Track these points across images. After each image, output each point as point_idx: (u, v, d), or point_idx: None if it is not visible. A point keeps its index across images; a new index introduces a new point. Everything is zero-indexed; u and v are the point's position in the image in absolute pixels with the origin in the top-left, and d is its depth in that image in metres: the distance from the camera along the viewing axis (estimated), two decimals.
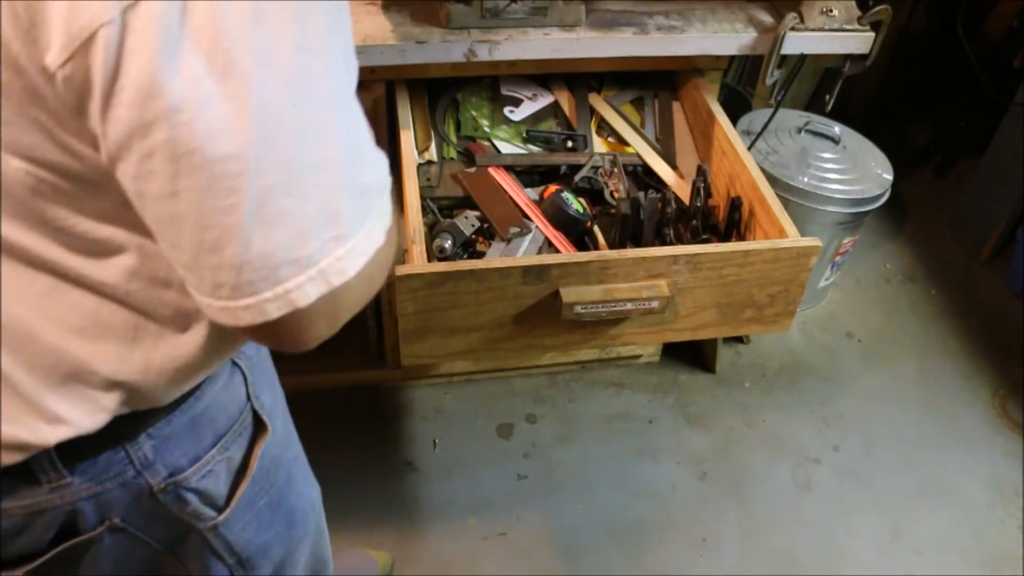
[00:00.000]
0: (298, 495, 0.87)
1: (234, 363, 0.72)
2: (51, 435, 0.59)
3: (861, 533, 1.68)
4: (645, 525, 1.65)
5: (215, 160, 0.44)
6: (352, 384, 1.85)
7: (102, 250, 0.54)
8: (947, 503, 1.74)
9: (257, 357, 0.77)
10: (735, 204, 1.21)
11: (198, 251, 0.47)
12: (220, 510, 0.73)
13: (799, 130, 1.99)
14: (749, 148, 1.37)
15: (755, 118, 1.96)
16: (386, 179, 0.54)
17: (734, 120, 1.63)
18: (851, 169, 1.92)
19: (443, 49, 1.22)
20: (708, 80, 1.42)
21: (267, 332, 0.51)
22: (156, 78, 0.42)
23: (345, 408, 1.81)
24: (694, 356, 1.99)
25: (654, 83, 1.47)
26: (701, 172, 1.25)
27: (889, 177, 1.95)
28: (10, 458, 0.59)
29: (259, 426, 0.76)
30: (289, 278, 0.48)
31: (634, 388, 1.92)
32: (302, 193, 0.47)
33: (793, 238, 1.11)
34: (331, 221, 0.49)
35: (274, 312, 0.49)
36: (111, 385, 0.60)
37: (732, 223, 1.22)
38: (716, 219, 1.28)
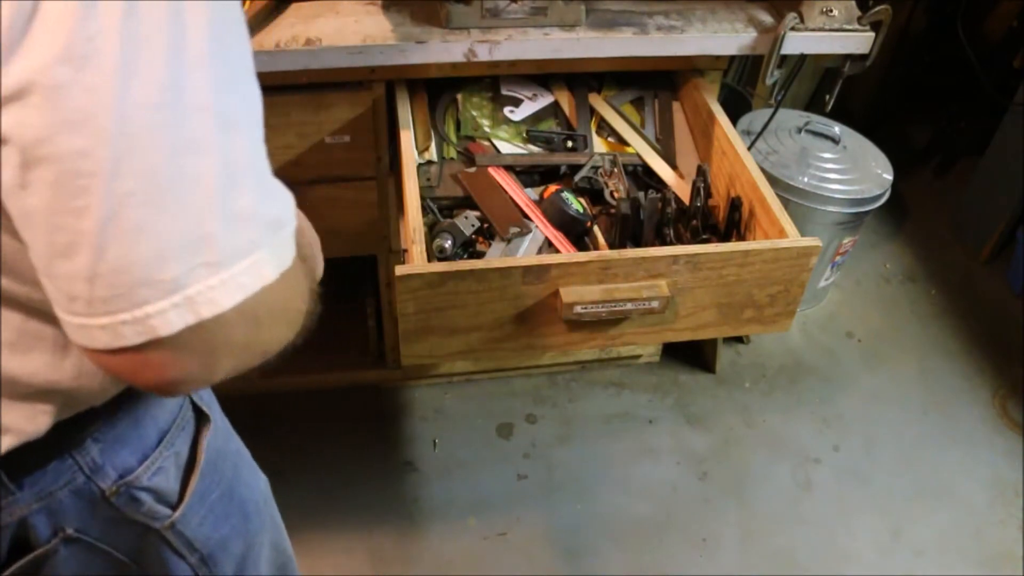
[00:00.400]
0: (247, 487, 0.86)
1: None
2: None
3: (861, 533, 1.68)
4: (645, 525, 1.65)
5: (66, 154, 0.41)
6: (352, 384, 1.85)
7: None
8: (947, 503, 1.74)
9: None
10: (735, 204, 1.21)
11: (50, 255, 0.43)
12: (174, 507, 0.72)
13: (799, 130, 1.99)
14: (749, 148, 1.37)
15: (755, 118, 1.96)
16: (285, 216, 0.50)
17: (734, 120, 1.63)
18: (851, 169, 1.92)
19: (443, 49, 1.22)
20: (708, 80, 1.42)
21: (128, 363, 0.46)
22: (3, 58, 0.39)
23: (345, 408, 1.81)
24: (694, 356, 1.99)
25: (654, 83, 1.47)
26: (701, 172, 1.25)
27: (889, 177, 1.95)
28: None
29: (201, 418, 0.75)
30: (149, 301, 0.44)
31: (634, 388, 1.92)
32: (166, 207, 0.43)
33: (793, 238, 1.11)
34: (201, 245, 0.44)
35: (131, 337, 0.44)
36: (47, 393, 0.58)
37: (732, 223, 1.22)
38: (716, 219, 1.28)
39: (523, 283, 1.06)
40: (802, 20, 1.29)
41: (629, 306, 1.08)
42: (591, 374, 1.94)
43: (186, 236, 0.44)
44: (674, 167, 1.35)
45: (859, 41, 1.32)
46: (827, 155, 1.93)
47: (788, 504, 1.71)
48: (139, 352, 0.45)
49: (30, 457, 0.60)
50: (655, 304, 1.08)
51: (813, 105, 2.31)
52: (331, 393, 1.83)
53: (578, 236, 1.23)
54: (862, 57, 1.34)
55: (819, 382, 1.98)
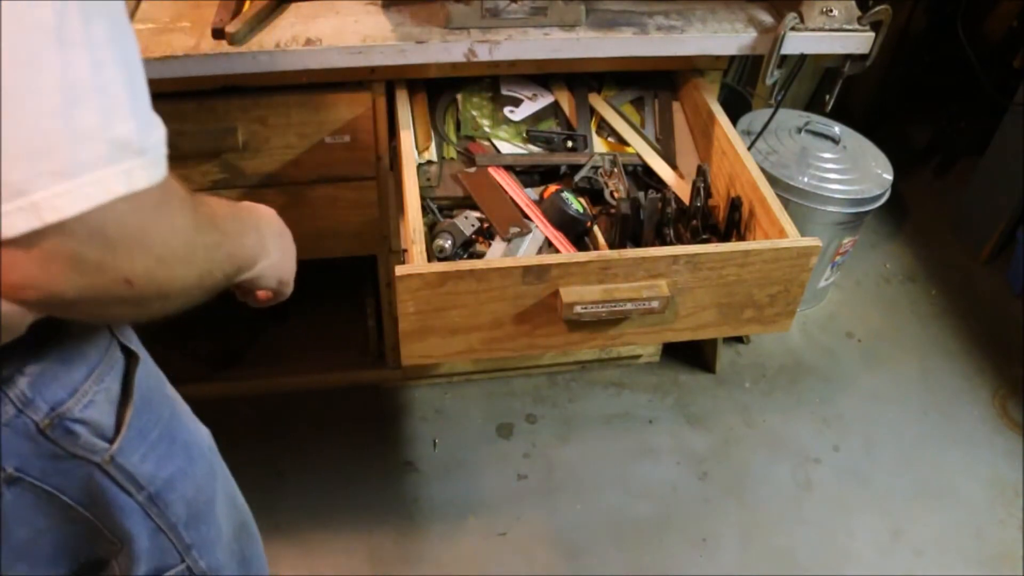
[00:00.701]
0: (189, 432, 0.87)
1: None
2: None
3: (861, 533, 1.68)
4: (645, 525, 1.65)
5: None
6: (352, 384, 1.85)
7: None
8: (947, 503, 1.74)
9: None
10: (735, 204, 1.21)
11: None
12: (111, 440, 0.73)
13: (799, 130, 1.99)
14: (749, 148, 1.37)
15: (755, 118, 1.96)
16: (146, 143, 0.52)
17: (734, 120, 1.63)
18: (851, 169, 1.92)
19: (443, 49, 1.22)
20: (708, 80, 1.42)
21: (23, 291, 0.48)
22: None
23: (345, 408, 1.81)
24: (694, 356, 1.99)
25: (654, 83, 1.47)
26: (701, 172, 1.25)
27: (889, 177, 1.95)
28: None
29: (130, 357, 0.76)
30: None
31: (634, 388, 1.92)
32: (9, 114, 0.44)
33: (793, 238, 1.11)
34: (45, 153, 0.46)
35: None
36: None
37: (732, 223, 1.22)
38: (716, 219, 1.28)
39: (523, 283, 1.06)
40: (802, 20, 1.29)
41: (629, 306, 1.08)
42: (591, 374, 1.94)
43: (30, 143, 0.45)
44: (674, 167, 1.35)
45: (859, 41, 1.32)
46: (827, 155, 1.93)
47: (788, 504, 1.71)
48: (19, 278, 0.47)
49: None
50: (655, 304, 1.08)
51: (813, 105, 2.31)
52: (331, 393, 1.83)
53: (578, 236, 1.23)
54: (862, 57, 1.34)
55: (819, 382, 1.98)
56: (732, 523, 1.67)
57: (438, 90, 1.40)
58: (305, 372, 1.82)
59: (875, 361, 2.04)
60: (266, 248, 0.75)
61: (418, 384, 1.87)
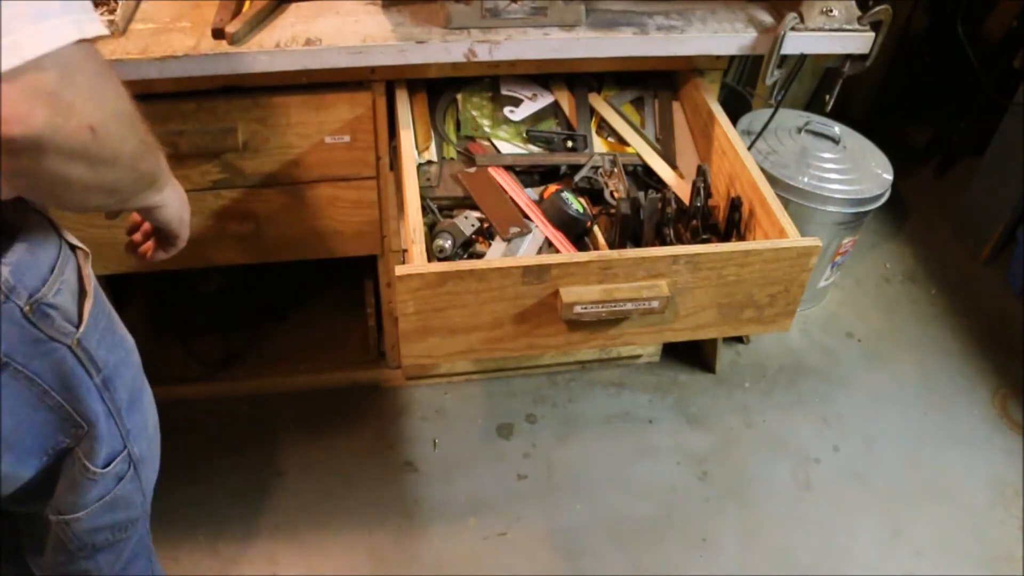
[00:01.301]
0: (122, 327, 0.94)
1: (34, 208, 0.80)
2: None
3: (861, 533, 1.68)
4: (645, 525, 1.65)
5: None
6: (352, 384, 1.85)
7: None
8: (947, 503, 1.74)
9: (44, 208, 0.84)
10: (735, 204, 1.21)
11: None
12: (76, 326, 0.81)
13: (799, 130, 1.99)
14: (749, 148, 1.37)
15: (755, 118, 1.96)
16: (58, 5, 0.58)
17: (734, 120, 1.63)
18: (851, 169, 1.92)
19: (443, 49, 1.22)
20: (708, 80, 1.42)
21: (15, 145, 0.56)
22: None
23: (345, 408, 1.81)
24: (694, 356, 1.99)
25: (654, 83, 1.47)
26: (701, 172, 1.25)
27: (889, 177, 1.95)
28: None
29: (77, 252, 0.84)
30: None
31: (634, 388, 1.92)
32: None
33: (793, 238, 1.11)
34: (20, 4, 0.54)
35: None
36: None
37: (732, 223, 1.22)
38: (716, 219, 1.28)
39: (523, 283, 1.06)
40: (802, 20, 1.30)
41: (629, 306, 1.08)
42: (591, 374, 1.94)
43: None
44: (674, 167, 1.35)
45: (859, 41, 1.32)
46: (827, 155, 1.93)
47: (788, 504, 1.71)
48: (17, 127, 0.55)
49: None
50: (655, 304, 1.08)
51: (813, 105, 2.31)
52: (331, 393, 1.83)
53: (578, 236, 1.23)
54: (862, 57, 1.35)
55: (819, 382, 1.98)
56: (732, 523, 1.67)
57: (438, 90, 1.40)
58: (305, 372, 1.82)
59: (875, 361, 2.04)
60: (170, 179, 0.83)
61: (418, 384, 1.87)
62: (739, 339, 2.04)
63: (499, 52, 1.24)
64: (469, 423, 1.81)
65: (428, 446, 1.76)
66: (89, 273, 0.84)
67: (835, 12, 1.30)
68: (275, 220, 1.43)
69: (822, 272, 2.05)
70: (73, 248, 0.84)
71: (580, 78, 1.45)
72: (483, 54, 1.24)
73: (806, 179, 1.87)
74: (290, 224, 1.44)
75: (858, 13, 1.32)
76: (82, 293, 0.83)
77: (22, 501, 0.97)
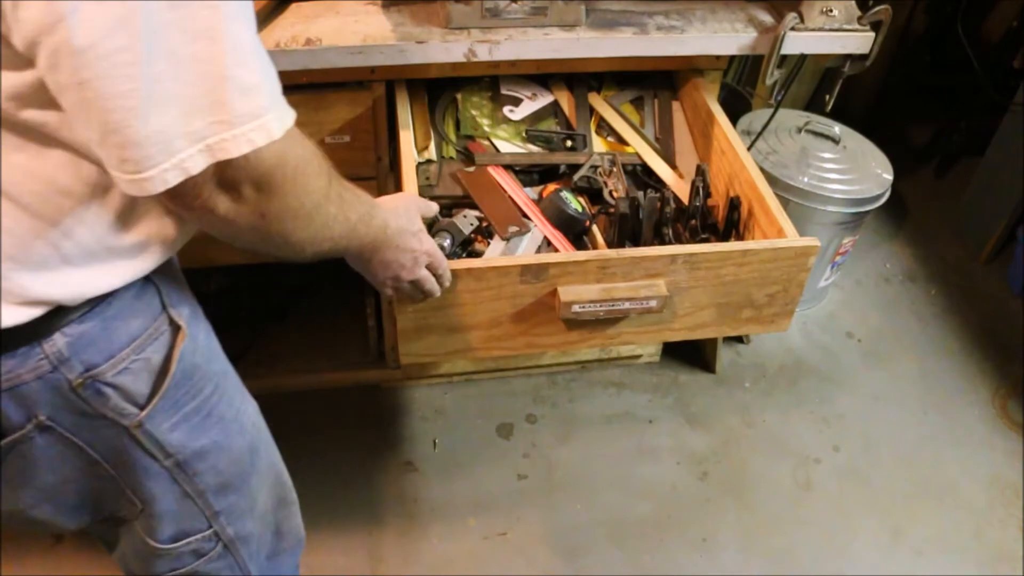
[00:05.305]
0: (230, 407, 0.90)
1: (147, 278, 0.78)
2: None
3: (861, 533, 1.68)
4: (645, 525, 1.65)
5: (110, 52, 0.54)
6: (352, 384, 1.85)
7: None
8: (947, 503, 1.74)
9: (171, 274, 0.82)
10: (734, 204, 1.21)
11: (104, 132, 0.57)
12: (142, 407, 0.77)
13: (799, 130, 1.99)
14: (749, 148, 1.37)
15: (755, 118, 1.96)
16: (277, 89, 0.65)
17: (734, 120, 1.63)
18: (851, 169, 1.92)
19: (443, 49, 1.22)
20: (708, 80, 1.42)
21: (174, 197, 0.62)
22: None
23: (345, 408, 1.81)
24: (694, 356, 1.99)
25: (654, 83, 1.47)
26: (700, 172, 1.25)
27: (889, 177, 1.95)
28: None
29: (176, 331, 0.81)
30: (182, 150, 0.59)
31: (634, 388, 1.92)
32: (188, 81, 0.57)
33: (792, 238, 1.10)
34: (217, 107, 0.59)
35: (172, 179, 0.59)
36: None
37: (731, 223, 1.22)
38: (715, 218, 1.28)
39: (521, 282, 1.06)
40: (802, 20, 1.30)
41: (627, 305, 1.08)
42: (591, 374, 1.94)
43: (205, 101, 0.58)
44: (673, 167, 1.35)
45: (859, 41, 1.32)
46: (827, 155, 1.93)
47: (788, 504, 1.71)
48: (179, 188, 0.60)
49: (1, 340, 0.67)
50: (653, 304, 1.08)
51: (813, 105, 2.30)
52: (331, 393, 1.83)
53: (577, 235, 1.23)
54: (862, 57, 1.35)
55: (819, 382, 1.98)
56: (732, 523, 1.67)
57: (438, 90, 1.40)
58: (305, 372, 1.82)
59: (875, 361, 2.04)
60: (378, 235, 0.85)
61: (418, 384, 1.87)
62: (739, 339, 2.03)
63: (499, 52, 1.24)
64: (469, 423, 1.81)
65: (428, 446, 1.76)
66: (182, 355, 0.80)
67: (835, 12, 1.30)
68: None
69: (822, 272, 2.04)
70: (174, 325, 0.81)
71: (580, 78, 1.45)
72: (483, 54, 1.24)
73: (806, 179, 1.87)
74: None
75: (858, 13, 1.32)
76: (162, 374, 0.79)
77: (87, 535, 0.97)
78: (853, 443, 1.85)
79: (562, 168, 1.33)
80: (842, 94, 1.48)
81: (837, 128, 2.00)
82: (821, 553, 1.63)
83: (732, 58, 1.44)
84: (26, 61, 0.57)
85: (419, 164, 1.29)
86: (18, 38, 0.55)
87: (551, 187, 1.27)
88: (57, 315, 0.70)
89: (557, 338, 1.14)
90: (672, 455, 1.79)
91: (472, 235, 1.19)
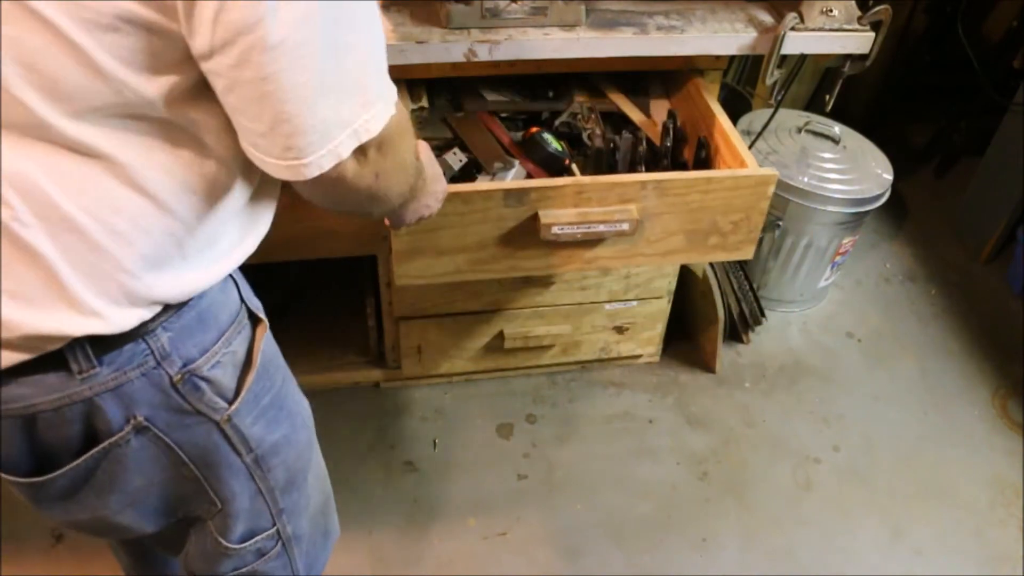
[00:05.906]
0: (295, 402, 0.92)
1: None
2: (86, 327, 0.66)
3: (861, 533, 1.68)
4: (645, 525, 1.65)
5: (296, 46, 0.57)
6: (352, 384, 1.85)
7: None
8: (947, 503, 1.74)
9: (240, 274, 0.84)
10: (702, 143, 1.31)
11: (275, 122, 0.60)
12: (231, 402, 0.79)
13: (799, 130, 1.99)
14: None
15: (755, 118, 1.96)
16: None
17: (734, 120, 1.63)
18: (851, 169, 1.92)
19: (443, 49, 1.23)
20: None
21: (322, 181, 0.65)
22: None
23: (345, 408, 1.81)
24: (694, 356, 1.99)
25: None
26: (671, 115, 1.34)
27: (889, 177, 1.95)
28: (51, 345, 0.66)
29: (256, 323, 0.83)
30: (336, 137, 0.62)
31: (634, 388, 1.92)
32: (345, 69, 0.61)
33: (752, 168, 1.20)
34: (360, 90, 0.63)
35: (327, 164, 0.63)
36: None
37: (700, 161, 1.31)
38: (685, 158, 1.36)
39: (505, 205, 1.15)
40: (802, 20, 1.30)
41: (602, 228, 1.18)
42: (591, 374, 1.94)
43: (354, 86, 0.62)
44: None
45: (859, 41, 1.32)
46: (827, 155, 1.93)
47: (788, 504, 1.71)
48: (328, 172, 0.64)
49: (110, 338, 0.68)
50: (626, 227, 1.18)
51: (813, 105, 2.31)
52: (331, 393, 1.83)
53: (557, 172, 1.31)
54: (862, 57, 1.35)
55: (819, 382, 1.98)
56: (732, 523, 1.67)
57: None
58: (305, 372, 1.81)
59: (875, 361, 2.04)
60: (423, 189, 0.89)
61: (418, 384, 1.87)
62: (739, 339, 2.04)
63: (499, 52, 1.24)
64: (469, 423, 1.81)
65: (428, 446, 1.76)
66: (261, 347, 0.82)
67: (835, 12, 1.30)
68: (275, 220, 1.42)
69: (822, 272, 2.04)
70: (253, 318, 0.83)
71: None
72: (483, 54, 1.24)
73: (806, 179, 1.87)
74: (290, 224, 1.44)
75: (858, 13, 1.32)
76: (247, 366, 0.81)
77: (150, 544, 0.99)
78: (853, 443, 1.85)
79: (544, 115, 1.41)
80: (842, 94, 1.48)
81: (837, 128, 2.00)
82: (821, 553, 1.63)
83: (732, 58, 1.44)
84: (187, 63, 0.59)
85: (413, 110, 1.36)
86: (203, 40, 0.57)
87: (534, 130, 1.35)
88: (162, 311, 0.71)
89: (539, 261, 1.22)
90: (672, 455, 1.79)
91: (461, 172, 1.28)
